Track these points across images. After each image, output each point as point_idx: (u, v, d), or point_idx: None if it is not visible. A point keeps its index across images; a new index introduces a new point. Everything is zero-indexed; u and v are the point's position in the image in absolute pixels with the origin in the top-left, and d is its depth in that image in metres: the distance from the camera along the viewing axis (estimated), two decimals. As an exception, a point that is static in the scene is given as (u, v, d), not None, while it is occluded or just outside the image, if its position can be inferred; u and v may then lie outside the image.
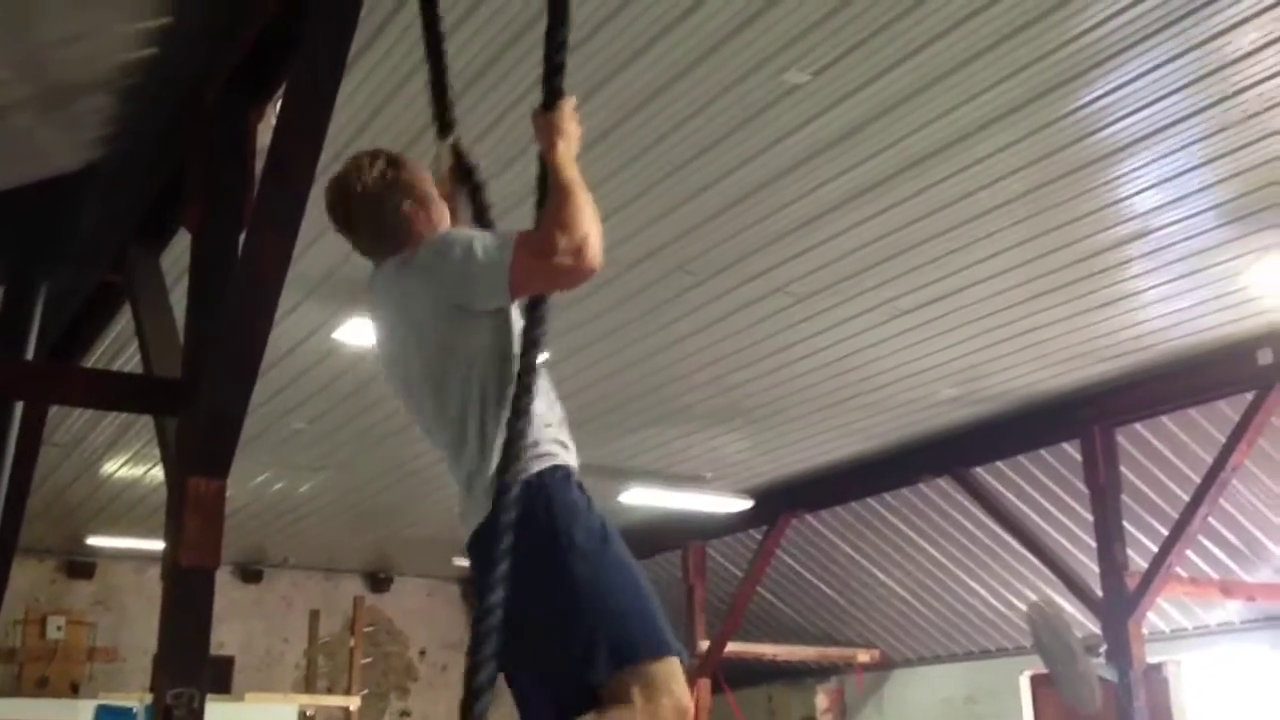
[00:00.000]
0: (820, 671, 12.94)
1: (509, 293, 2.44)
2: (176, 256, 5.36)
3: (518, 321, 2.55)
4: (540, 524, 2.39)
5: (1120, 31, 4.42)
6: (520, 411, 2.43)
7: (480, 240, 2.47)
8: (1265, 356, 7.19)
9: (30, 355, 5.54)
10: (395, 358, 2.64)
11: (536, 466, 2.44)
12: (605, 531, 2.44)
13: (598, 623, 2.33)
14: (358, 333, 6.78)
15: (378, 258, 2.70)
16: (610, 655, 2.31)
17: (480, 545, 2.42)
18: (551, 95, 2.54)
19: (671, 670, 2.36)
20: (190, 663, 4.15)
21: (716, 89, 4.80)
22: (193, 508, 4.17)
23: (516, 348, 2.51)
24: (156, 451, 5.11)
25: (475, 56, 4.52)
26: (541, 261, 2.37)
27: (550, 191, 2.43)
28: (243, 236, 4.09)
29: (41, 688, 10.99)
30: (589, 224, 2.38)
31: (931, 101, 4.87)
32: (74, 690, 11.09)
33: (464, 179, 2.88)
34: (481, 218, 2.85)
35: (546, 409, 2.54)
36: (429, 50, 3.13)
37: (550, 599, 2.37)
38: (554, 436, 2.52)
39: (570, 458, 2.53)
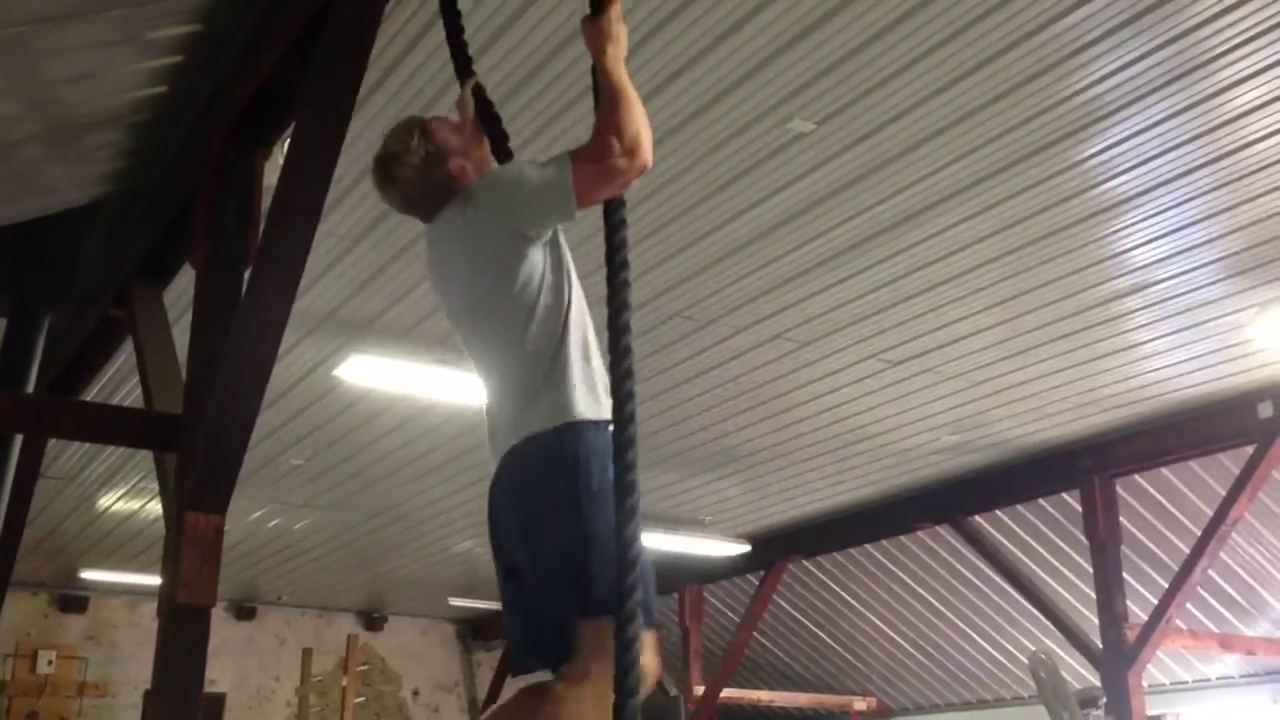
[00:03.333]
0: (816, 719, 12.84)
1: (573, 204, 2.47)
2: (180, 292, 5.37)
3: (568, 261, 2.62)
4: (569, 469, 2.44)
5: (1122, 87, 4.46)
6: (621, 330, 2.44)
7: (533, 166, 2.54)
8: (1266, 410, 7.19)
9: (31, 388, 5.54)
10: (454, 296, 2.70)
11: (582, 413, 2.49)
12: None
13: (602, 567, 2.33)
14: (358, 371, 6.77)
15: (434, 217, 2.77)
16: (604, 599, 2.29)
17: (509, 467, 2.53)
18: (598, 1, 2.57)
19: (650, 639, 2.37)
20: (183, 701, 4.12)
21: (721, 136, 4.83)
22: (190, 543, 4.15)
23: (567, 283, 2.59)
24: (153, 486, 5.10)
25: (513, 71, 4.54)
26: (598, 166, 2.44)
27: (600, 97, 2.49)
28: (247, 274, 4.10)
29: (30, 723, 10.90)
30: (639, 123, 2.44)
31: (934, 153, 4.90)
32: (62, 728, 11.00)
33: (486, 120, 2.95)
34: (501, 156, 2.91)
35: (581, 349, 2.60)
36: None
37: (562, 537, 2.41)
38: (600, 380, 2.57)
39: (607, 404, 2.51)
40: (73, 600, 11.97)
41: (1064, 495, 8.70)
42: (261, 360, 4.01)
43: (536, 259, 2.57)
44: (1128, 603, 8.10)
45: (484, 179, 2.67)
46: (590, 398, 2.55)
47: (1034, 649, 8.64)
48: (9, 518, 5.83)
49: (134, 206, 5.20)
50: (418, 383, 6.78)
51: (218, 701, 11.66)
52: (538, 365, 2.53)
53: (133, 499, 9.22)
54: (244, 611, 12.90)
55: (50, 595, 11.89)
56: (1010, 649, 10.62)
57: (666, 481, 9.15)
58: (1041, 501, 8.97)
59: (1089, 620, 8.56)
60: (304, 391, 7.34)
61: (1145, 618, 7.99)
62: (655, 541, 10.12)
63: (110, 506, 9.44)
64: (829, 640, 12.13)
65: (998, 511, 9.17)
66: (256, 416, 4.07)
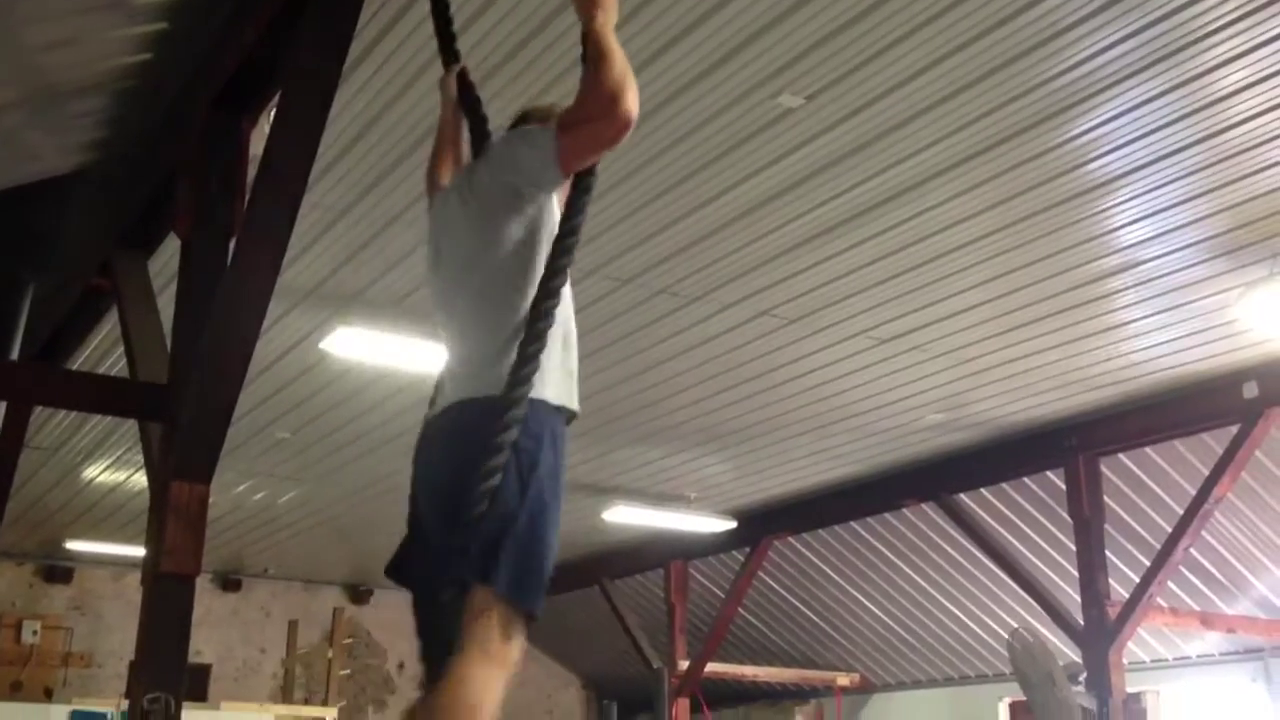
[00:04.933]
0: (799, 694, 12.91)
1: (558, 172, 2.50)
2: (165, 262, 5.35)
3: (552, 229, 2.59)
4: (529, 446, 2.39)
5: (1109, 67, 4.45)
6: (550, 293, 2.47)
7: (533, 133, 2.57)
8: (1251, 390, 7.22)
9: (15, 357, 5.52)
10: (448, 258, 2.69)
11: (542, 393, 2.45)
12: (559, 488, 2.44)
13: (516, 540, 2.33)
14: (345, 343, 6.76)
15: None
16: (503, 573, 2.30)
17: (445, 418, 2.53)
18: None
19: (524, 627, 2.36)
20: (168, 669, 4.13)
21: (710, 111, 4.82)
22: (175, 513, 4.16)
23: (546, 250, 2.56)
24: (138, 457, 5.09)
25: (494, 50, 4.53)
26: (582, 130, 2.44)
27: (587, 60, 2.48)
28: (232, 244, 4.09)
29: (15, 692, 10.91)
30: (622, 80, 2.41)
31: (921, 130, 4.90)
32: (48, 695, 11.01)
33: (469, 106, 2.98)
34: (482, 143, 2.92)
35: (562, 336, 2.56)
36: None
37: (499, 505, 2.35)
38: (566, 366, 2.55)
39: (573, 393, 2.54)
40: (58, 571, 11.97)
41: (1049, 473, 8.73)
42: (247, 330, 4.00)
43: (531, 224, 2.56)
44: (1110, 580, 8.16)
45: (500, 140, 2.72)
46: (566, 384, 2.54)
47: (1016, 627, 8.69)
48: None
49: (119, 175, 5.17)
50: (405, 356, 6.77)
51: (203, 672, 11.68)
52: (515, 330, 2.50)
53: (118, 470, 9.21)
54: (230, 583, 12.92)
55: (35, 566, 11.89)
56: (993, 626, 10.68)
57: (653, 458, 9.17)
58: (1026, 480, 9.01)
59: (1071, 598, 8.61)
60: (290, 364, 7.33)
61: (1127, 596, 8.05)
62: (641, 517, 10.15)
63: (95, 478, 9.43)
64: (813, 616, 12.19)
65: (983, 490, 9.21)
66: (241, 387, 4.07)
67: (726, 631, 11.43)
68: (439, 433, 2.58)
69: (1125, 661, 8.07)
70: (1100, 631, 7.91)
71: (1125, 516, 8.74)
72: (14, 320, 5.48)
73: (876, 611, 11.63)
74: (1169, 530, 8.07)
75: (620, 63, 2.43)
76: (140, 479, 8.79)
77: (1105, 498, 8.23)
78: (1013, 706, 11.16)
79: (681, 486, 9.93)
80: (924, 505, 9.63)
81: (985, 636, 10.96)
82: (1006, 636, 8.56)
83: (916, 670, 12.03)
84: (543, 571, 2.37)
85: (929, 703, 11.89)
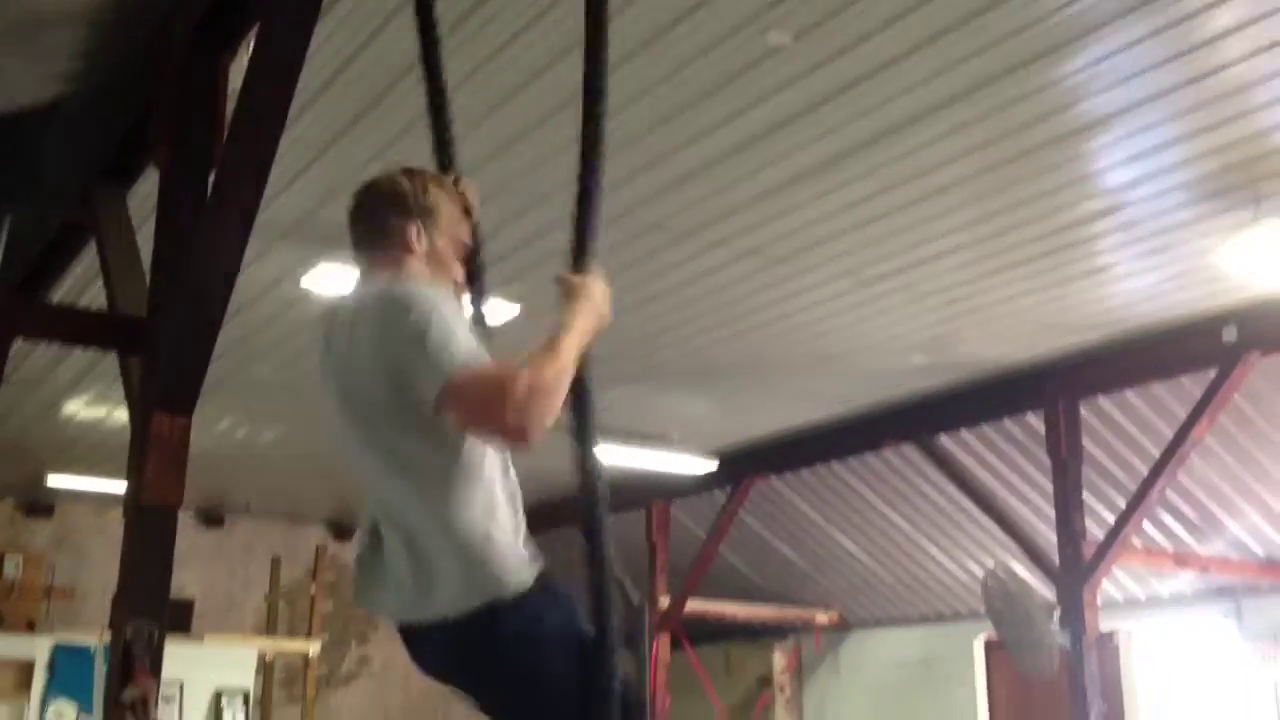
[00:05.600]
0: (779, 632, 13.07)
1: (441, 393, 2.15)
2: (144, 196, 5.30)
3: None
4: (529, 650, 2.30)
5: (1098, 8, 4.42)
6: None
7: (455, 332, 2.20)
8: (1230, 334, 7.26)
9: (-8, 291, 5.48)
10: (340, 402, 2.44)
11: (514, 576, 2.29)
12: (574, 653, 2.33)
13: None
14: (327, 281, 6.73)
15: (359, 266, 2.51)
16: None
17: (435, 641, 2.35)
18: (584, 259, 2.42)
19: None
20: (151, 600, 4.16)
21: (697, 48, 4.76)
22: (156, 445, 4.17)
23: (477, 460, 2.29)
24: (119, 392, 5.08)
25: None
26: (484, 393, 2.11)
27: (543, 345, 2.20)
28: (212, 177, 4.05)
29: (-3, 625, 10.93)
30: (553, 395, 2.13)
31: (910, 69, 4.86)
32: (30, 628, 11.04)
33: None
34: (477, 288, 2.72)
35: (512, 504, 2.37)
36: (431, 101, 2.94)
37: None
38: (520, 530, 2.36)
39: (531, 567, 2.33)
40: (39, 506, 11.96)
41: (1029, 415, 8.78)
42: (227, 262, 3.99)
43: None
44: (1087, 522, 8.24)
45: (404, 298, 2.27)
46: (526, 559, 2.33)
47: (992, 566, 8.79)
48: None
49: (96, 106, 5.11)
50: (387, 293, 6.74)
51: (187, 608, 11.73)
52: (457, 515, 2.25)
53: (99, 405, 9.18)
54: (212, 519, 12.93)
55: (16, 501, 11.87)
56: (971, 566, 10.80)
57: (636, 397, 9.18)
58: (1006, 421, 9.06)
59: (1048, 539, 8.70)
60: (271, 302, 7.29)
61: (1103, 537, 8.14)
62: (623, 456, 10.19)
63: (77, 413, 9.40)
64: (793, 556, 12.31)
65: (963, 431, 9.27)
66: (222, 318, 4.06)
67: (707, 570, 11.53)
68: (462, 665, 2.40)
69: (1099, 601, 8.18)
70: (1075, 570, 8.01)
71: (1103, 458, 8.82)
72: (-9, 254, 5.44)
73: (856, 551, 11.75)
74: (1146, 473, 8.15)
75: (565, 382, 2.17)
76: (122, 415, 8.76)
77: (1084, 440, 8.30)
78: (988, 644, 11.34)
79: (664, 426, 9.96)
80: (904, 446, 9.69)
81: (962, 576, 11.09)
82: (983, 574, 8.66)
83: (894, 608, 12.18)
84: None
85: (906, 640, 12.05)
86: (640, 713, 2.44)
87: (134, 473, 4.14)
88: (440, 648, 2.37)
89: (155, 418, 4.11)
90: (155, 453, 4.17)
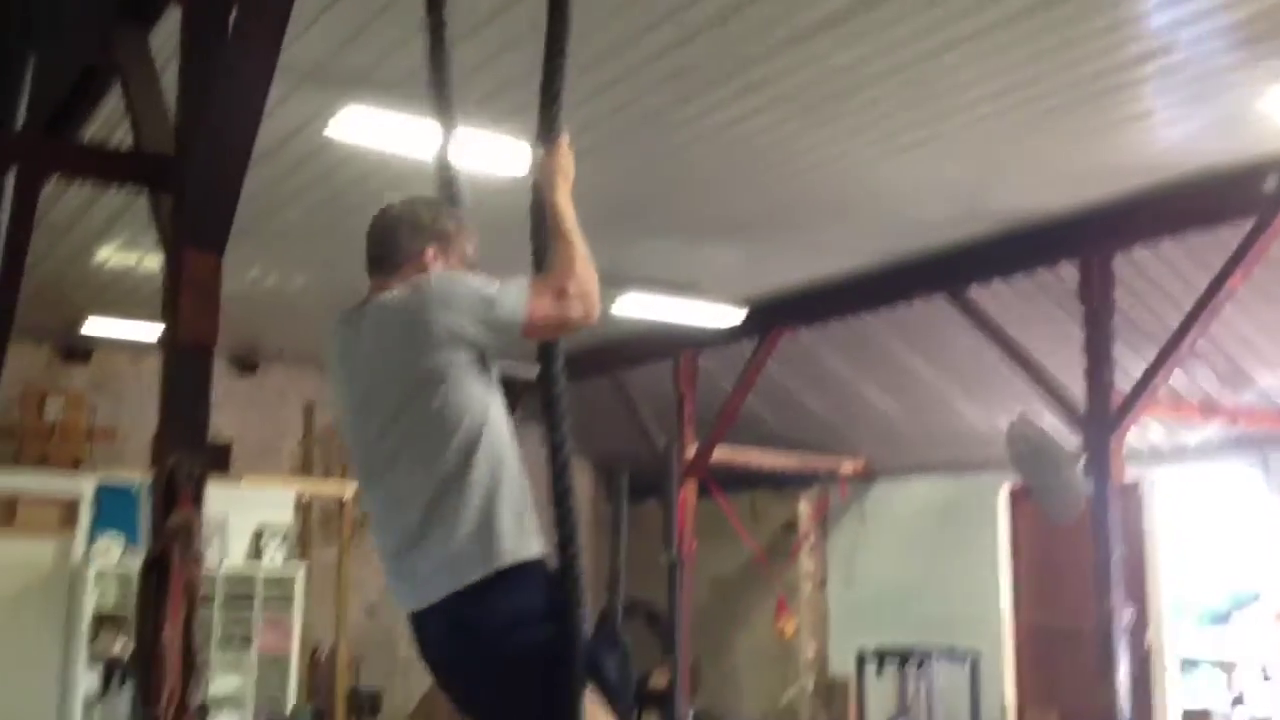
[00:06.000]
0: (804, 481, 13.25)
1: (523, 330, 2.53)
2: (167, 35, 5.23)
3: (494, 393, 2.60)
4: (500, 621, 2.48)
5: None
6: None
7: (491, 283, 2.57)
8: (1271, 184, 7.12)
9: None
10: (362, 399, 2.64)
11: (520, 554, 2.52)
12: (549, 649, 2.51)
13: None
14: (349, 127, 6.66)
15: (372, 283, 2.78)
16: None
17: (443, 620, 2.53)
18: (551, 133, 2.62)
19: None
20: (190, 434, 4.25)
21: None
22: (189, 284, 4.21)
23: (498, 418, 2.57)
24: (150, 237, 5.11)
25: None
26: (555, 304, 2.52)
27: (557, 238, 2.57)
28: (233, 15, 4.00)
29: (42, 465, 11.23)
30: (591, 271, 2.57)
31: (951, -100, 4.68)
32: (75, 467, 11.34)
33: None
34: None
35: (520, 485, 2.59)
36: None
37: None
38: (531, 520, 2.59)
39: (537, 543, 2.58)
40: (77, 351, 12.13)
41: (1062, 265, 8.68)
42: (252, 98, 3.96)
43: (471, 371, 2.54)
44: (1115, 374, 8.22)
45: (443, 275, 2.66)
46: (536, 535, 2.59)
47: (1020, 412, 8.82)
48: (8, 260, 5.87)
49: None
50: (410, 141, 6.68)
51: (224, 451, 12.00)
52: (471, 494, 2.49)
53: (132, 250, 9.24)
54: (246, 366, 13.08)
55: (54, 345, 12.04)
56: (998, 416, 10.83)
57: (665, 247, 9.14)
58: (1039, 271, 8.97)
59: (1077, 390, 8.69)
60: (295, 148, 7.24)
61: (1130, 388, 8.13)
62: (652, 308, 10.21)
63: (110, 258, 9.47)
64: (820, 408, 12.39)
65: (995, 281, 9.19)
66: (249, 154, 4.05)
67: (734, 420, 11.64)
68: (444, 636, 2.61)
69: (1125, 451, 8.21)
70: (1103, 418, 8.03)
71: (1136, 309, 8.75)
72: (16, 94, 5.41)
73: (883, 402, 11.81)
74: (1177, 324, 8.10)
75: (587, 252, 2.55)
76: (155, 260, 8.81)
77: (1116, 291, 8.22)
78: (1013, 493, 11.47)
79: (693, 277, 9.94)
80: (934, 297, 9.63)
81: (988, 427, 11.14)
82: (1011, 421, 8.68)
83: (920, 458, 12.28)
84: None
85: (931, 489, 12.20)
86: (627, 688, 2.63)
87: (169, 310, 4.19)
88: (443, 626, 2.56)
89: (187, 254, 4.15)
90: (189, 290, 4.22)
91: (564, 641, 2.46)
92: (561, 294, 2.50)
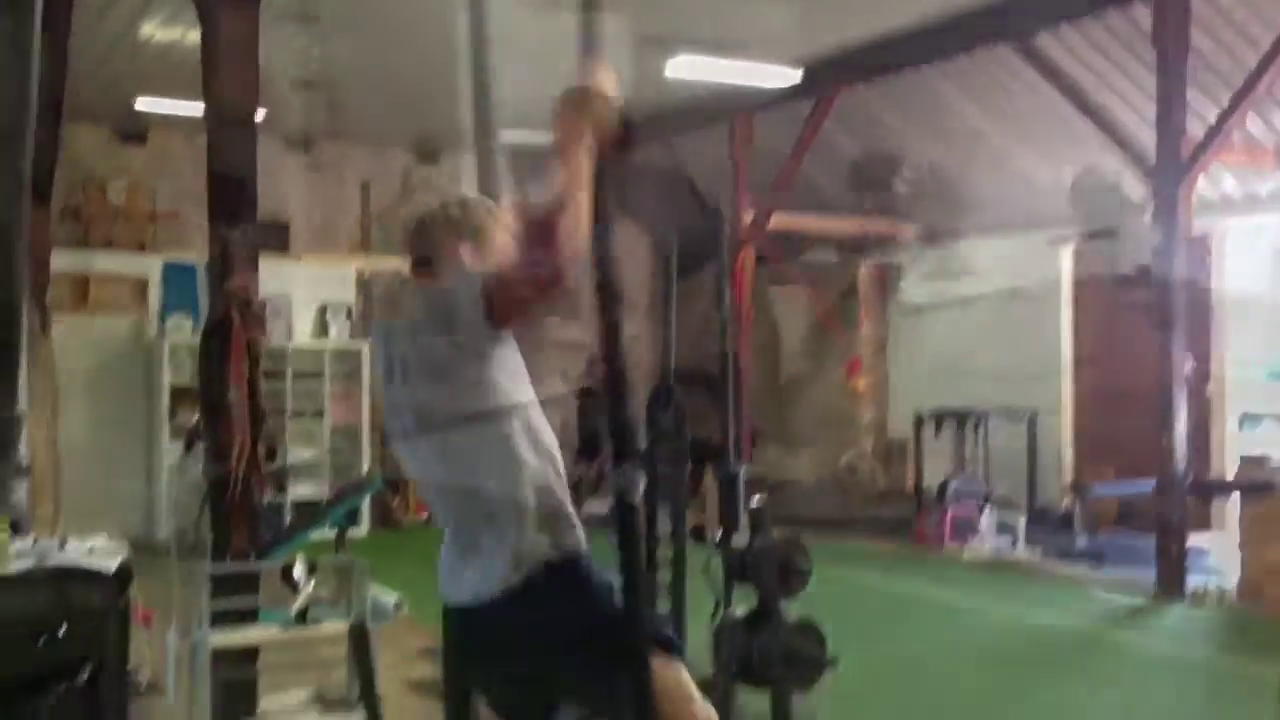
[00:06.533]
0: (863, 246, 13.13)
1: (491, 330, 2.47)
2: None
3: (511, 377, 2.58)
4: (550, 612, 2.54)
5: None
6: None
7: (464, 282, 2.51)
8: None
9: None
10: (405, 402, 2.66)
11: (557, 549, 2.56)
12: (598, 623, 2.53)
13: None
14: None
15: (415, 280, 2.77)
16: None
17: (488, 617, 2.58)
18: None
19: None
20: (240, 200, 4.28)
21: None
22: (226, 48, 4.16)
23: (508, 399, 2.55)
24: (190, 12, 5.02)
25: None
26: (521, 285, 2.40)
27: (563, 200, 2.32)
28: None
29: (108, 249, 11.44)
30: (579, 245, 2.31)
31: None
32: (141, 249, 11.55)
33: None
34: None
35: (554, 464, 2.61)
36: None
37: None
38: (565, 503, 2.61)
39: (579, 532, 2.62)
40: (133, 132, 12.12)
41: (1135, 7, 8.26)
42: None
43: (480, 363, 2.53)
44: (1187, 121, 7.92)
45: (433, 291, 2.62)
46: (569, 528, 2.60)
47: (1088, 163, 8.59)
48: (50, 36, 5.80)
49: None
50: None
51: (283, 229, 12.10)
52: (500, 493, 2.53)
53: (174, 25, 9.11)
54: (301, 144, 12.96)
55: (112, 128, 12.04)
56: (1064, 172, 10.54)
57: (714, 3, 8.80)
58: (1110, 14, 8.55)
59: (1147, 139, 8.41)
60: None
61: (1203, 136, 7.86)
62: (705, 70, 9.91)
63: (154, 34, 9.35)
64: (880, 169, 12.14)
65: (1064, 27, 8.78)
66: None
67: (791, 185, 11.46)
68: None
69: (1195, 199, 7.99)
70: (1173, 166, 7.79)
71: (1213, 54, 8.36)
72: None
73: (948, 159, 11.52)
74: (1254, 66, 7.74)
75: (584, 227, 2.29)
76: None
77: (1192, 31, 7.83)
78: (1076, 251, 11.29)
79: (746, 36, 9.60)
80: (999, 48, 9.26)
81: (1053, 182, 10.87)
82: (1079, 171, 8.45)
83: (983, 218, 12.04)
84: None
85: (993, 251, 11.99)
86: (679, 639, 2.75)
87: (208, 69, 4.16)
88: (489, 622, 2.61)
89: (222, 13, 4.08)
90: (227, 52, 4.17)
91: (627, 604, 2.47)
92: (551, 290, 2.37)
